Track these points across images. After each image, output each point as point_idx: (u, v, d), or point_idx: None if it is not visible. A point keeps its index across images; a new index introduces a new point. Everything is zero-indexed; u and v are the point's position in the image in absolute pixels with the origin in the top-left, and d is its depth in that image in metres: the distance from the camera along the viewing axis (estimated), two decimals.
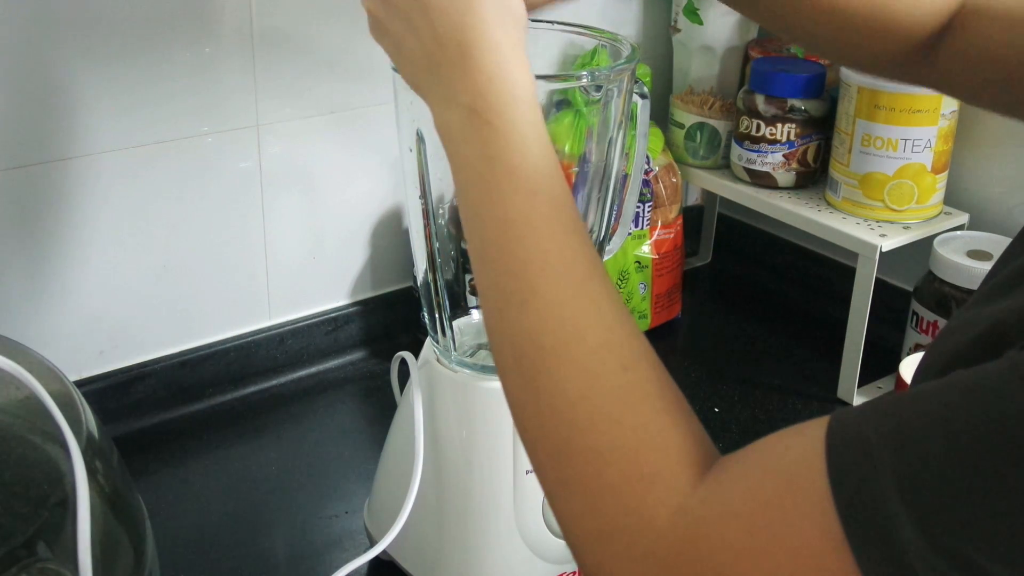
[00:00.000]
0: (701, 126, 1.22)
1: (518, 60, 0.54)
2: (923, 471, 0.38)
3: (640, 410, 0.48)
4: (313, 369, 1.13)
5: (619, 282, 1.15)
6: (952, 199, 1.11)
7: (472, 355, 0.81)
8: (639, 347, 0.50)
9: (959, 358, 0.44)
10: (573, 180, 0.77)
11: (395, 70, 0.70)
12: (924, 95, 1.02)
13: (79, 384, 0.88)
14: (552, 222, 0.51)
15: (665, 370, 0.50)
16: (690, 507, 0.44)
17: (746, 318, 1.28)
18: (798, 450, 0.42)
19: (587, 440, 0.48)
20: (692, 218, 1.35)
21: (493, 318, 0.53)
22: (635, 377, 0.49)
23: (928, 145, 1.04)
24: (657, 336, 1.19)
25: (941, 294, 1.03)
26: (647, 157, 1.16)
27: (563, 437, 0.48)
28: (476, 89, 0.52)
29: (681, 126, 1.23)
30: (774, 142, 1.14)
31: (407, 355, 0.81)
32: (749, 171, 1.17)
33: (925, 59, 0.67)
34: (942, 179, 1.08)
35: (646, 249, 1.17)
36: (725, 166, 1.22)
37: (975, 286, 1.01)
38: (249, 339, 1.09)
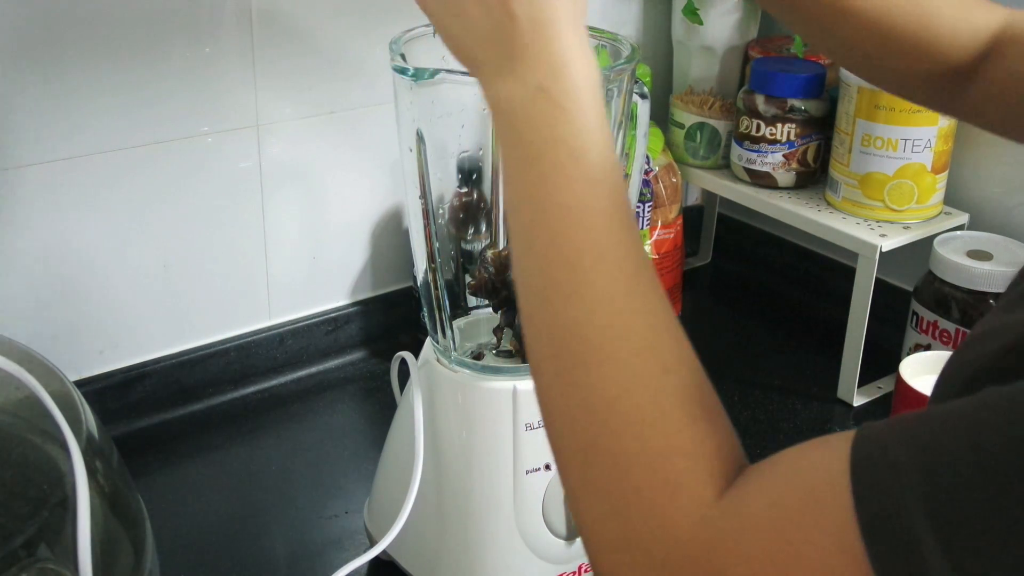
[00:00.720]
0: (701, 126, 1.22)
1: (587, 45, 0.53)
2: (951, 493, 0.37)
3: (675, 415, 0.47)
4: (313, 369, 1.13)
5: None
6: (952, 199, 1.11)
7: (472, 355, 0.80)
8: (682, 350, 0.49)
9: (986, 369, 0.43)
10: None
11: (391, 57, 0.70)
12: None
13: (79, 384, 0.88)
14: (611, 214, 0.50)
15: (705, 376, 0.49)
16: (712, 518, 0.44)
17: (746, 318, 1.28)
18: (823, 464, 0.42)
19: (617, 441, 0.47)
20: (692, 218, 1.35)
21: (534, 306, 0.51)
22: (674, 381, 0.48)
23: (928, 145, 1.04)
24: None
25: (941, 294, 1.03)
26: (647, 157, 1.16)
27: (592, 436, 0.47)
28: (548, 68, 0.51)
29: (681, 126, 1.23)
30: (774, 142, 1.14)
31: (407, 355, 0.81)
32: (749, 171, 1.17)
33: (960, 85, 0.67)
34: (942, 179, 1.08)
35: (646, 249, 1.17)
36: (725, 166, 1.22)
37: (975, 286, 1.02)
38: (249, 339, 1.09)
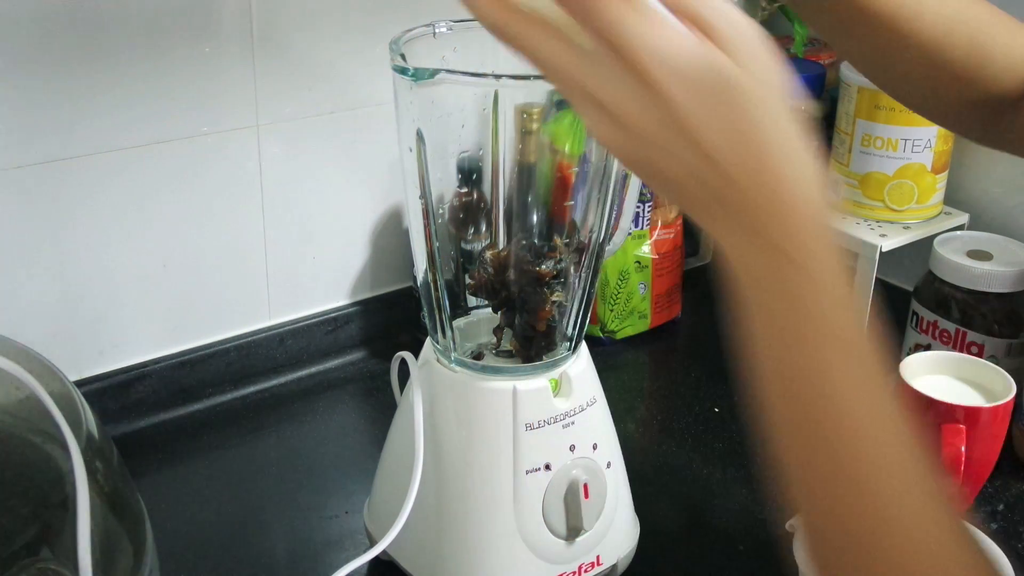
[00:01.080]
0: None
1: (815, 170, 0.45)
2: None
3: None
4: (313, 369, 1.13)
5: (619, 282, 1.15)
6: (952, 199, 1.11)
7: (472, 355, 0.80)
8: (951, 525, 0.47)
9: None
10: (573, 180, 0.77)
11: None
12: None
13: (79, 384, 0.88)
14: (871, 393, 0.47)
15: (976, 543, 0.47)
16: None
17: None
18: None
19: None
20: None
21: (798, 488, 0.48)
22: (945, 558, 0.46)
23: (928, 145, 1.04)
24: (657, 336, 1.19)
25: (941, 294, 1.03)
26: None
27: None
28: (783, 228, 0.45)
29: None
30: None
31: (407, 355, 0.81)
32: None
33: (1011, 114, 0.66)
34: (942, 179, 1.08)
35: (646, 249, 1.17)
36: None
37: (975, 286, 1.01)
38: (249, 339, 1.09)
